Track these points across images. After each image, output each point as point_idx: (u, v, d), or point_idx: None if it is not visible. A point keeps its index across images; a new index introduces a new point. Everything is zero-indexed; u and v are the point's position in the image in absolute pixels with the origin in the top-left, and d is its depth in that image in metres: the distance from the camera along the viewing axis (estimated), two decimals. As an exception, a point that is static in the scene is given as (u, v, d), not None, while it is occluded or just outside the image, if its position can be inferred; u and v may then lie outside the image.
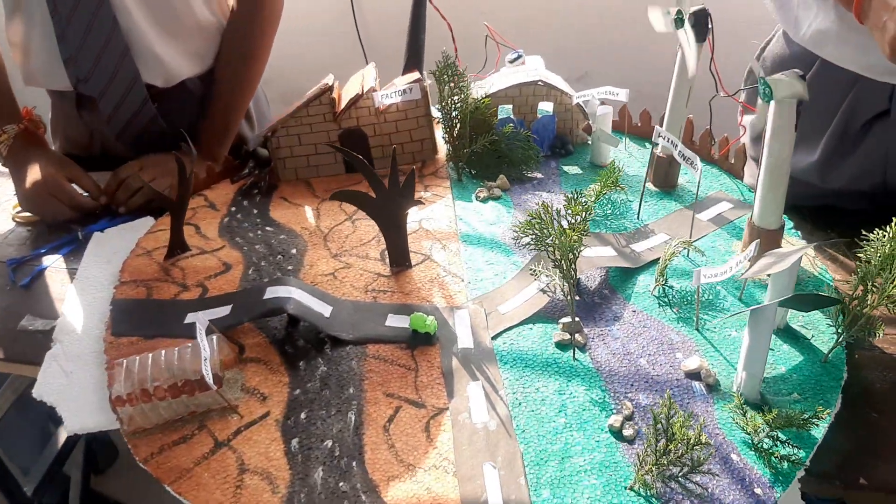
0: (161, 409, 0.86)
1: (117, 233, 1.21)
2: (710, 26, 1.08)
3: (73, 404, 0.91)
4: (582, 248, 0.90)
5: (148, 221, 1.23)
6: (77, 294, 1.09)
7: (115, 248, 1.17)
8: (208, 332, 0.91)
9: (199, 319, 0.89)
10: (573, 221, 0.90)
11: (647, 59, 1.95)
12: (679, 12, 1.08)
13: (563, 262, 0.91)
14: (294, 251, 1.13)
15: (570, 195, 0.93)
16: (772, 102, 0.93)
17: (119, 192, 1.26)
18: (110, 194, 1.27)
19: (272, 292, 0.99)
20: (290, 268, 1.09)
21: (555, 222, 0.91)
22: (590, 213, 0.90)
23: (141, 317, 1.03)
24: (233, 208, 1.24)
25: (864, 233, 0.91)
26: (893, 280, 0.87)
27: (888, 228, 0.89)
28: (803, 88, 0.92)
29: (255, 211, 1.23)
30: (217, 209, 1.24)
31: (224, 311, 1.01)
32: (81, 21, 1.21)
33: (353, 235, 1.15)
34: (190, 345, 0.90)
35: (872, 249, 0.89)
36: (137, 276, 1.10)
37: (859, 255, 0.91)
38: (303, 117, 1.25)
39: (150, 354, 0.89)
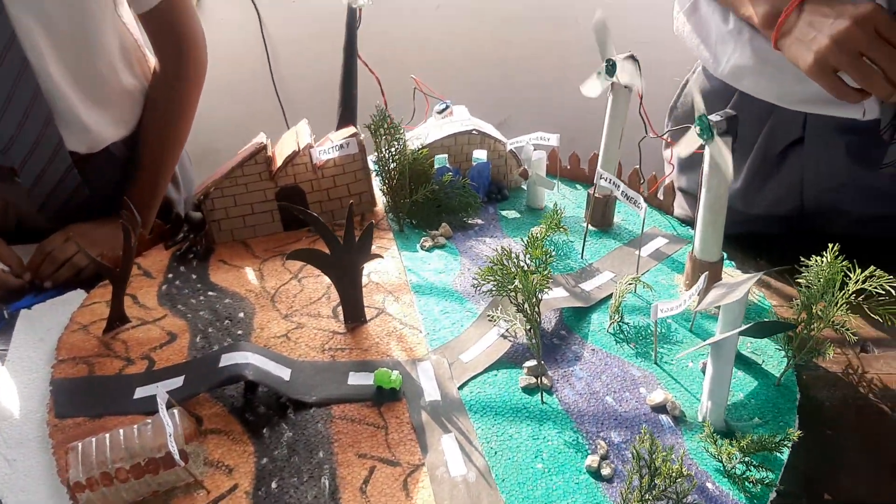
0: (123, 492, 0.82)
1: (47, 308, 1.15)
2: (639, 71, 1.13)
3: (21, 495, 0.85)
4: (547, 291, 0.92)
5: (79, 294, 1.17)
6: (10, 377, 1.02)
7: (47, 325, 1.11)
8: (167, 405, 0.87)
9: (160, 393, 0.85)
10: (534, 265, 0.92)
11: (565, 104, 2.02)
12: (609, 61, 1.13)
13: (526, 305, 0.92)
14: (242, 315, 1.09)
15: (527, 239, 0.95)
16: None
17: (44, 264, 1.20)
18: (34, 269, 1.20)
19: (228, 359, 0.95)
20: (239, 332, 1.06)
21: (518, 269, 0.92)
22: (550, 257, 0.92)
23: (85, 396, 0.97)
24: (170, 275, 1.19)
25: (802, 259, 0.96)
26: (836, 303, 0.92)
27: (825, 254, 0.94)
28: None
29: (195, 276, 1.19)
30: (153, 277, 1.19)
31: (177, 382, 0.96)
32: (2, 88, 1.15)
33: (302, 294, 1.13)
34: (149, 421, 0.86)
35: (812, 276, 0.94)
36: (76, 352, 1.04)
37: (799, 280, 0.95)
38: (238, 177, 1.23)
39: (107, 435, 0.84)
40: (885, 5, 1.01)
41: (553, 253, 0.98)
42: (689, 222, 1.30)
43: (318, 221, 0.98)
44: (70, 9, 1.19)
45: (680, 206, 1.36)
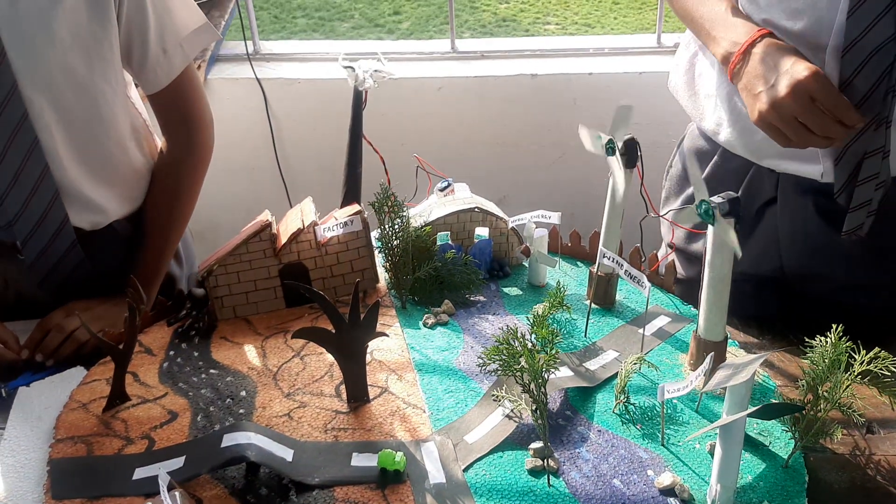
0: (121, 580, 0.79)
1: (46, 386, 1.14)
2: (639, 153, 1.15)
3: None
4: (554, 371, 0.91)
5: (79, 372, 1.16)
6: (7, 456, 1.00)
7: (45, 402, 1.10)
8: (168, 487, 0.85)
9: (161, 475, 0.84)
10: (541, 345, 0.92)
11: (562, 181, 2.05)
12: (610, 141, 1.15)
13: (532, 386, 0.92)
14: (244, 393, 1.08)
15: (532, 317, 0.95)
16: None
17: (46, 339, 1.19)
18: (34, 345, 1.20)
19: (230, 439, 0.94)
20: (241, 411, 1.05)
21: (525, 349, 0.92)
22: (556, 336, 0.92)
23: (84, 476, 0.95)
24: (171, 352, 1.19)
25: (806, 339, 0.96)
26: (843, 383, 0.91)
27: (829, 335, 0.95)
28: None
29: (196, 353, 1.18)
30: (154, 354, 1.19)
31: (177, 462, 0.95)
32: (10, 166, 1.17)
33: (304, 372, 1.12)
34: (150, 502, 0.84)
35: (817, 355, 0.95)
36: (74, 431, 1.03)
37: (804, 360, 0.96)
38: (242, 255, 1.24)
39: (105, 519, 0.83)
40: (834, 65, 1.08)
41: (559, 332, 0.98)
42: (683, 280, 1.32)
43: (324, 299, 0.99)
44: (83, 91, 1.21)
45: (679, 268, 1.38)
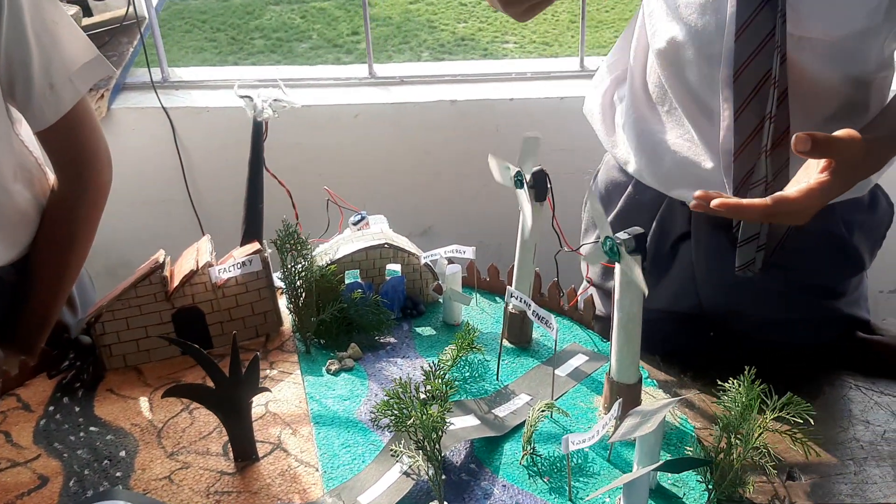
0: None
1: None
2: (548, 186, 1.10)
3: None
4: (447, 427, 0.85)
5: (-55, 432, 1.07)
6: None
7: None
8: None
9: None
10: (434, 398, 0.85)
11: (488, 212, 2.00)
12: (518, 173, 1.10)
13: (426, 443, 0.85)
14: (123, 453, 0.99)
15: (426, 367, 0.88)
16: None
17: None
18: None
19: (96, 511, 0.85)
20: (118, 474, 0.96)
21: (415, 401, 0.85)
22: (452, 388, 0.86)
23: (-70, 557, 0.86)
24: (51, 408, 1.09)
25: (720, 382, 0.91)
26: (755, 430, 0.86)
27: (742, 377, 0.90)
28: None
29: (78, 409, 1.09)
30: (32, 410, 1.09)
31: (37, 538, 0.86)
32: None
33: (191, 428, 1.04)
34: None
35: (730, 399, 0.89)
36: (-71, 503, 0.93)
37: (717, 404, 0.90)
38: (130, 299, 1.15)
39: None
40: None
41: (453, 383, 0.91)
42: (602, 318, 1.27)
43: (200, 353, 0.91)
44: None
45: (598, 303, 1.33)
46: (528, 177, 1.10)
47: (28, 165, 1.28)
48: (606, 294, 1.37)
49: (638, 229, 0.94)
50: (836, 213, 1.18)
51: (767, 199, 0.92)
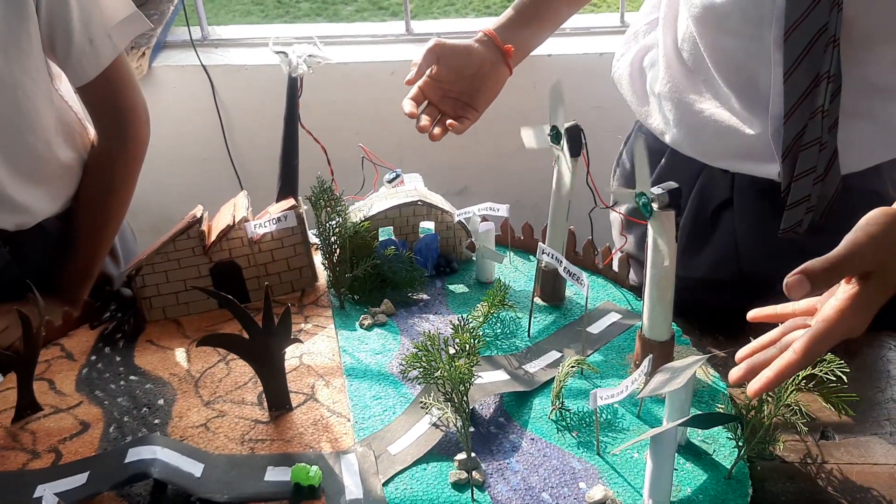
0: None
1: (-44, 395, 1.08)
2: (583, 141, 1.08)
3: None
4: (474, 379, 0.85)
5: (-5, 379, 1.11)
6: None
7: (-47, 413, 1.04)
8: (57, 509, 0.79)
9: (47, 496, 0.78)
10: (462, 350, 0.86)
11: (525, 171, 1.98)
12: (553, 128, 1.08)
13: (454, 395, 0.86)
14: (161, 402, 1.02)
15: (456, 322, 0.89)
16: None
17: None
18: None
19: (134, 454, 0.88)
20: (156, 422, 0.99)
21: (443, 354, 0.86)
22: (479, 341, 0.86)
23: (-19, 495, 0.90)
24: (93, 357, 1.13)
25: (751, 338, 0.90)
26: (787, 388, 0.85)
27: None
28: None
29: (118, 358, 1.12)
30: (75, 359, 1.13)
31: (80, 479, 0.89)
32: None
33: (228, 379, 1.06)
34: (36, 528, 0.78)
35: (762, 357, 0.88)
36: (-21, 445, 0.97)
37: (750, 362, 0.89)
38: (169, 252, 1.17)
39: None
40: None
41: (482, 337, 0.92)
42: (636, 287, 1.26)
43: (234, 304, 0.92)
44: (1, 88, 1.15)
45: (633, 274, 1.31)
46: (558, 127, 1.08)
47: (69, 120, 1.30)
48: (641, 266, 1.35)
49: (672, 184, 0.92)
50: (883, 173, 1.14)
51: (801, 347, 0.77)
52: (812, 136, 1.03)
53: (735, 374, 0.81)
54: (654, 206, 0.91)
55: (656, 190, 0.92)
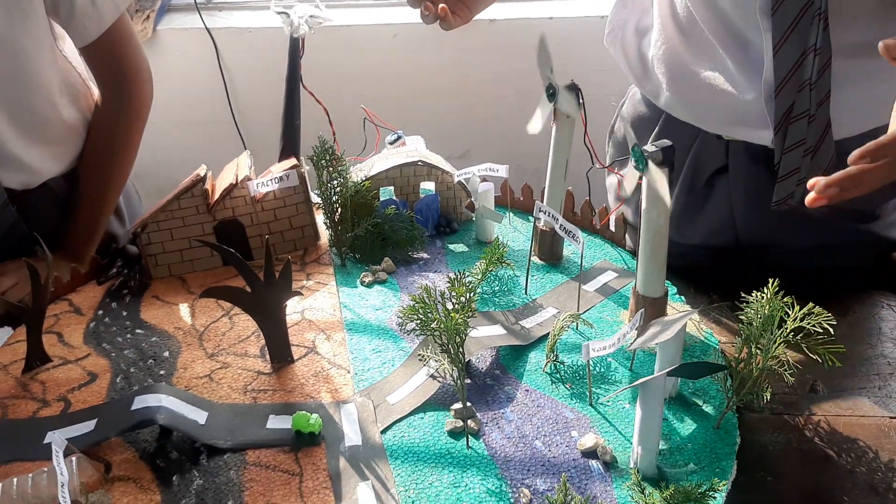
0: (13, 546, 0.77)
1: (-32, 348, 1.11)
2: (580, 100, 1.10)
3: None
4: (469, 330, 0.87)
5: (5, 333, 1.13)
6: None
7: (-36, 365, 1.07)
8: (67, 452, 0.82)
9: (55, 440, 0.81)
10: (458, 303, 0.88)
11: (528, 137, 1.98)
12: (550, 86, 1.09)
13: (450, 346, 0.88)
14: (166, 354, 1.05)
15: (453, 276, 0.91)
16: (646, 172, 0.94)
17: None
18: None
19: (140, 402, 0.91)
20: (162, 373, 1.02)
21: (439, 305, 0.88)
22: (474, 294, 0.88)
23: (-7, 440, 0.93)
24: (100, 312, 1.15)
25: (742, 294, 0.92)
26: (776, 340, 0.87)
27: (765, 289, 0.90)
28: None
29: (125, 313, 1.15)
30: (82, 314, 1.15)
31: (89, 426, 0.92)
32: None
33: (231, 332, 1.09)
34: (46, 469, 0.81)
35: (753, 311, 0.90)
36: (-10, 394, 1.00)
37: (741, 317, 0.91)
38: (174, 210, 1.19)
39: (0, 483, 0.80)
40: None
41: (476, 290, 0.94)
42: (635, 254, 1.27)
43: (236, 257, 0.95)
44: (3, 45, 1.16)
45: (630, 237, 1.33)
46: (553, 83, 1.09)
47: (72, 81, 1.32)
48: (634, 229, 1.36)
49: (666, 142, 0.94)
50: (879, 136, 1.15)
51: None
52: (801, 109, 1.04)
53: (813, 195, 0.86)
54: (650, 161, 0.92)
55: (650, 147, 0.93)
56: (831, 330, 0.84)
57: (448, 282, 0.89)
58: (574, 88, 1.09)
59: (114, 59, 1.30)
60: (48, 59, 1.24)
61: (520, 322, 1.08)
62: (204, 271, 1.24)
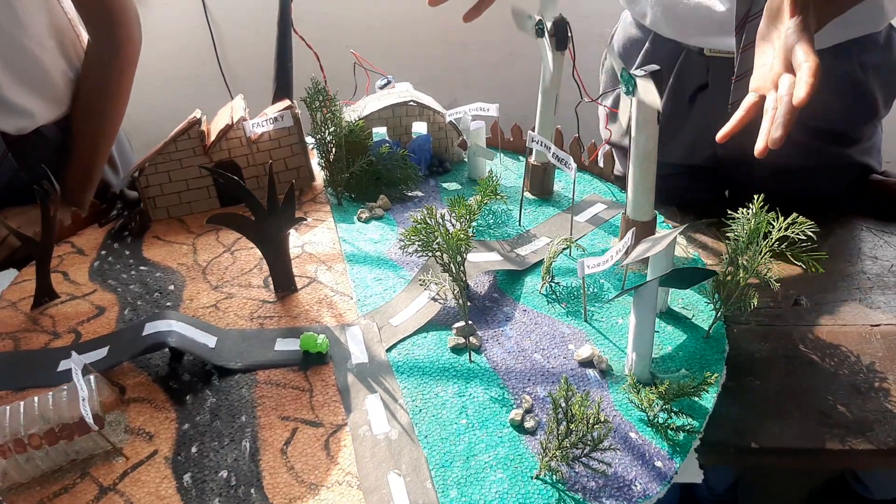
0: (38, 460, 0.80)
1: (-25, 288, 1.13)
2: (569, 35, 1.12)
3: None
4: (470, 249, 0.91)
5: (10, 274, 1.15)
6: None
7: (-27, 303, 1.09)
8: (85, 371, 0.85)
9: (74, 359, 0.84)
10: (458, 223, 0.91)
11: (514, 82, 2.01)
12: (539, 22, 1.12)
13: (451, 264, 0.91)
14: (172, 287, 1.08)
15: (452, 199, 0.94)
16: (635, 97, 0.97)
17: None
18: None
19: (151, 327, 0.94)
20: (168, 304, 1.04)
21: (440, 226, 0.91)
22: (474, 214, 0.91)
23: (9, 370, 0.95)
24: (103, 252, 1.18)
25: (729, 212, 0.96)
26: (762, 250, 0.91)
27: (751, 206, 0.94)
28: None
29: (128, 252, 1.17)
30: (86, 254, 1.18)
31: (101, 353, 0.95)
32: None
33: (234, 266, 1.11)
34: (65, 388, 0.84)
35: (739, 226, 0.94)
36: (2, 328, 1.02)
37: (727, 234, 0.95)
38: (171, 153, 1.21)
39: (21, 403, 0.83)
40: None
41: (476, 210, 0.97)
42: (621, 178, 1.31)
43: (241, 186, 0.97)
44: None
45: (619, 162, 1.37)
46: (548, 25, 1.12)
47: (61, 25, 1.32)
48: (625, 154, 1.40)
49: (654, 67, 0.97)
50: (853, 54, 1.18)
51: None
52: (759, 8, 1.07)
53: (723, 131, 0.91)
54: (638, 81, 0.96)
55: (638, 72, 0.96)
56: (814, 237, 0.88)
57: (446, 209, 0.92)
58: (562, 24, 1.12)
59: (102, 3, 1.31)
60: (37, 3, 1.25)
61: (515, 250, 1.11)
62: (203, 213, 1.26)
